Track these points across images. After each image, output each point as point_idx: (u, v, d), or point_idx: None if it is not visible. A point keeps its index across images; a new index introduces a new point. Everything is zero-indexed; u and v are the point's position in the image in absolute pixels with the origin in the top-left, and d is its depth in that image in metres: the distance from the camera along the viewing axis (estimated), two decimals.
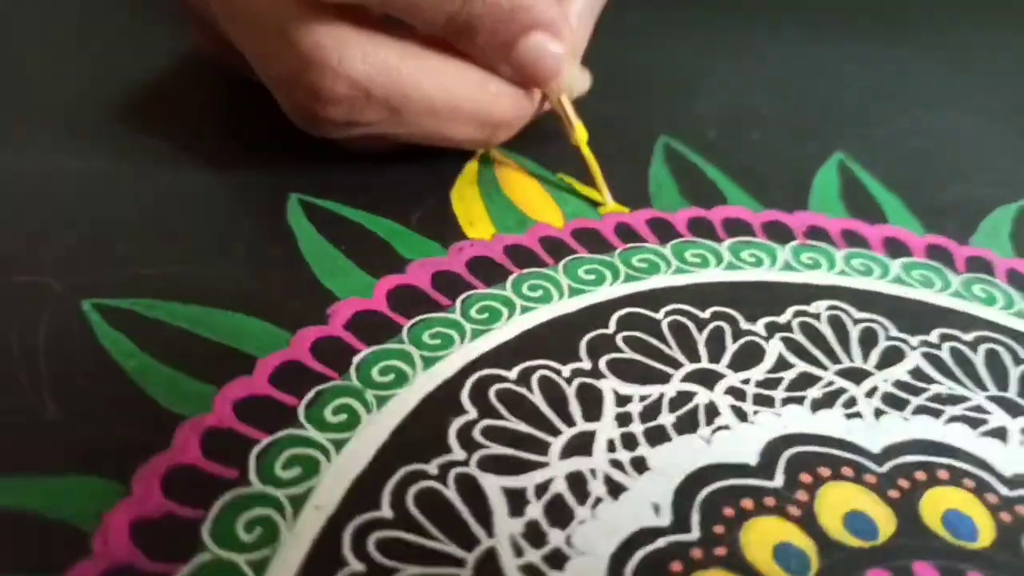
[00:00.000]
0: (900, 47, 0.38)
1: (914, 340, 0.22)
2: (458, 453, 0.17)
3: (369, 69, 0.21)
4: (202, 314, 0.20)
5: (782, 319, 0.22)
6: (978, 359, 0.22)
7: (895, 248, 0.25)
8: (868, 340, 0.22)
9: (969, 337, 0.22)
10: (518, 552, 0.16)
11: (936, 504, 0.18)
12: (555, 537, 0.16)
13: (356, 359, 0.19)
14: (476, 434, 0.18)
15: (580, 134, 0.25)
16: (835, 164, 0.29)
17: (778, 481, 0.18)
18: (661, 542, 0.16)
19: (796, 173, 0.28)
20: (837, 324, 0.22)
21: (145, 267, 0.21)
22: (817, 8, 0.41)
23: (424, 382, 0.19)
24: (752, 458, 0.18)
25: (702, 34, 0.38)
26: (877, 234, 0.26)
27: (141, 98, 0.29)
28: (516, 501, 0.17)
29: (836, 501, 0.18)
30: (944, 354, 0.22)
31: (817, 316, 0.22)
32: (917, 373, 0.21)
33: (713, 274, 0.23)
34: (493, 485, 0.17)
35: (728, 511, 0.17)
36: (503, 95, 0.23)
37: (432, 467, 0.17)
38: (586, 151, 0.26)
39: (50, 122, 0.27)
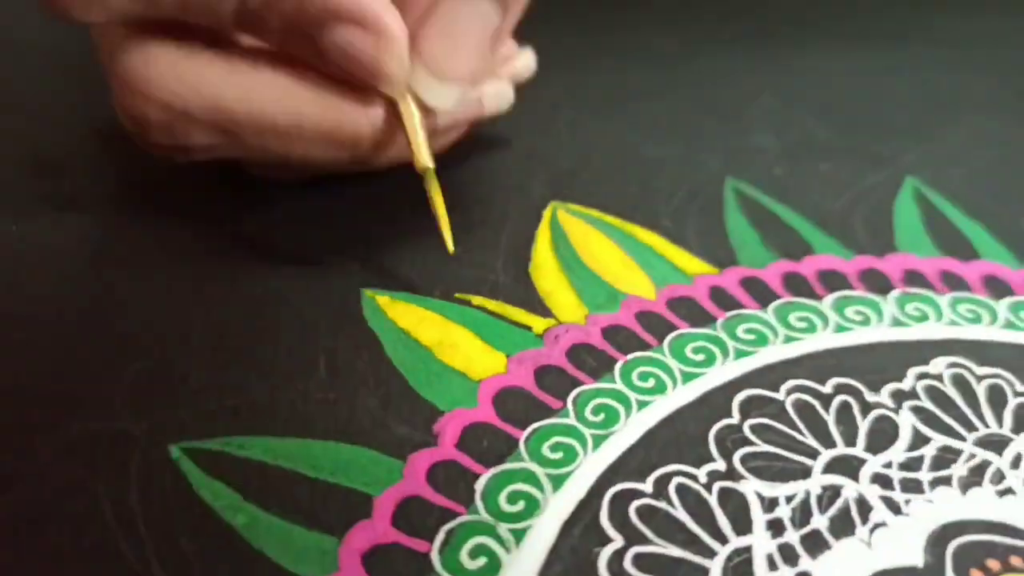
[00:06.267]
0: (934, 53, 0.37)
1: None
2: None
3: (184, 90, 0.20)
4: (299, 448, 0.18)
5: (905, 385, 0.21)
6: None
7: (996, 288, 0.24)
8: (997, 399, 0.21)
9: None
10: None
11: None
12: None
13: (479, 486, 0.18)
14: (628, 564, 0.17)
15: (420, 159, 0.22)
16: (910, 193, 0.28)
17: None
18: None
19: (873, 207, 0.27)
20: (962, 384, 0.21)
21: (225, 397, 0.20)
22: (839, 17, 0.40)
23: (557, 506, 0.18)
24: (918, 558, 0.17)
25: (736, 57, 0.36)
26: (974, 273, 0.25)
27: (165, 195, 0.27)
28: None
29: None
30: None
31: (940, 377, 0.21)
32: None
33: (823, 339, 0.22)
34: None
35: None
36: (345, 106, 0.21)
37: None
38: (430, 183, 0.22)
39: (86, 236, 0.25)
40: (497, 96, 0.25)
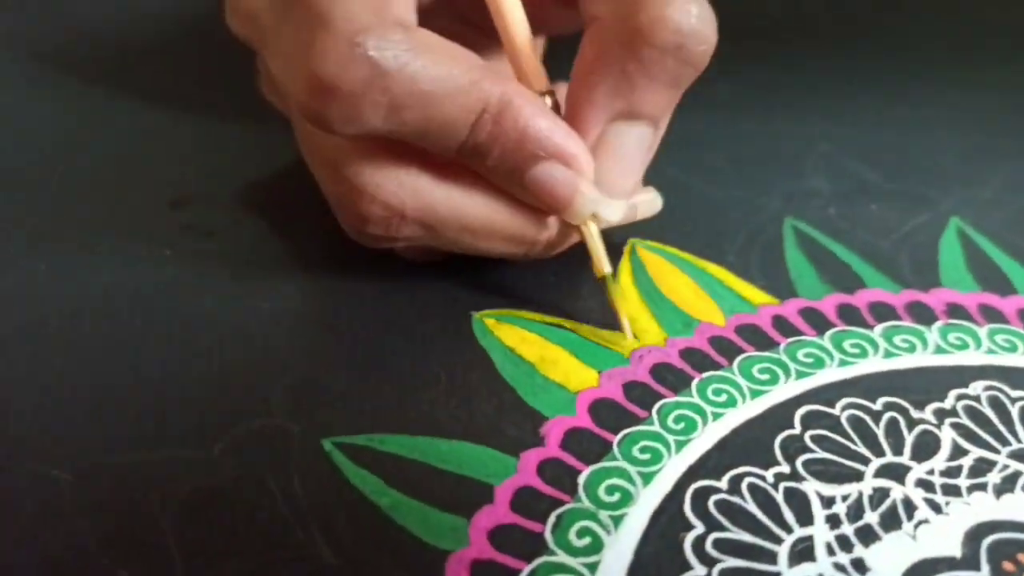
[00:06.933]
0: (974, 102, 0.40)
1: None
2: (699, 568, 0.19)
3: (403, 194, 0.24)
4: (430, 445, 0.22)
5: (947, 404, 0.24)
6: None
7: None
8: None
9: None
10: None
11: None
12: None
13: (581, 480, 0.21)
14: (709, 547, 0.20)
15: (599, 268, 0.25)
16: (954, 232, 0.31)
17: (984, 571, 0.20)
18: None
19: (919, 245, 0.30)
20: (997, 405, 0.24)
21: (365, 403, 0.23)
22: (886, 70, 0.43)
23: (647, 498, 0.21)
24: (956, 550, 0.20)
25: (791, 107, 0.39)
26: (1011, 307, 0.27)
27: (281, 225, 0.31)
28: None
29: None
30: None
31: (977, 398, 0.24)
32: None
33: (874, 364, 0.25)
34: None
35: None
36: (529, 216, 0.25)
37: None
38: (611, 286, 0.26)
39: (229, 262, 0.29)
40: (650, 204, 0.29)
